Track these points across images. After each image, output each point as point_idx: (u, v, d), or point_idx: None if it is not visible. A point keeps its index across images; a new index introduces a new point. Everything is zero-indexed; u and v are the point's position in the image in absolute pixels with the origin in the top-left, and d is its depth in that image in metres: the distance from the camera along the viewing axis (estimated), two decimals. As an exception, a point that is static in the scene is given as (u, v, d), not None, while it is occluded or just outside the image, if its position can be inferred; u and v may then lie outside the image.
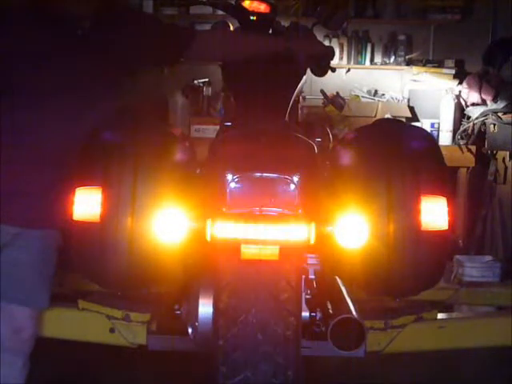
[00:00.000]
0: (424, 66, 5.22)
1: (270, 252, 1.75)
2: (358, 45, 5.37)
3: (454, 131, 4.76)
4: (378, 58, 5.39)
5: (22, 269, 2.25)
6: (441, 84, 5.04)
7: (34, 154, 2.21)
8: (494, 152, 4.54)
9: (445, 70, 5.15)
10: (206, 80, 5.13)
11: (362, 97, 5.20)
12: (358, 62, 5.37)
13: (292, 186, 1.79)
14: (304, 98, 3.26)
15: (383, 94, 5.23)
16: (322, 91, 4.68)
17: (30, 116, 2.21)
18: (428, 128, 4.72)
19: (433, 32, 5.38)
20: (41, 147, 2.21)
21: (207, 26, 5.10)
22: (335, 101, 4.77)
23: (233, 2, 2.60)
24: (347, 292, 2.17)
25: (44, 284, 2.31)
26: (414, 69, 5.21)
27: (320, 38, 2.81)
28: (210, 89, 5.11)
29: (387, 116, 4.77)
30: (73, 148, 2.09)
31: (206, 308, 1.96)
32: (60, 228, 2.25)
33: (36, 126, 2.21)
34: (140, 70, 2.47)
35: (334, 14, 2.54)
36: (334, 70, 2.73)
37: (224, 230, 1.73)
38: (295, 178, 1.79)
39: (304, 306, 1.99)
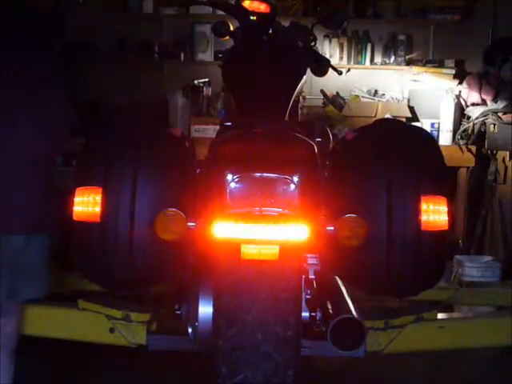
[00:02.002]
0: (424, 66, 5.21)
1: (270, 252, 1.75)
2: (358, 45, 5.36)
3: (454, 131, 4.75)
4: (378, 58, 5.39)
5: (27, 267, 2.27)
6: (441, 84, 5.03)
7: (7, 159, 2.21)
8: (494, 152, 4.54)
9: (445, 70, 5.14)
10: (206, 80, 5.13)
11: (362, 97, 5.20)
12: (358, 62, 5.36)
13: (292, 186, 1.79)
14: (304, 98, 3.26)
15: (383, 94, 5.22)
16: (322, 91, 4.70)
17: None
18: (428, 128, 4.71)
19: (433, 32, 5.37)
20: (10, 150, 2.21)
21: (207, 26, 5.14)
22: (335, 101, 4.79)
23: (233, 2, 2.60)
24: (347, 292, 2.17)
25: (45, 275, 2.34)
26: (414, 69, 5.21)
27: (320, 37, 2.81)
28: (210, 89, 5.10)
29: (387, 116, 4.76)
30: (44, 147, 2.10)
31: (206, 308, 1.96)
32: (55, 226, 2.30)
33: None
34: None
35: (334, 14, 2.54)
36: (340, 72, 2.73)
37: (224, 230, 1.73)
38: (295, 178, 1.79)
39: (304, 306, 1.99)
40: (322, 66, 2.60)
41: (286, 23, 2.67)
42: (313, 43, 2.66)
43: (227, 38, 2.62)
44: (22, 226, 2.23)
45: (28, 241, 2.25)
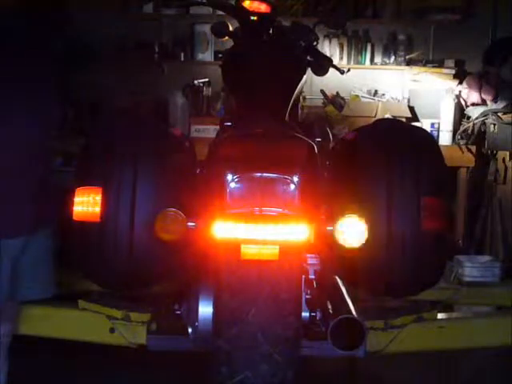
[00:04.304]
0: (424, 66, 5.21)
1: (270, 252, 1.74)
2: (358, 45, 5.36)
3: (454, 131, 4.75)
4: (378, 58, 5.39)
5: (30, 269, 2.27)
6: (441, 84, 5.04)
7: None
8: (494, 152, 4.54)
9: (445, 70, 5.14)
10: (206, 80, 5.13)
11: (362, 97, 5.20)
12: (358, 62, 5.36)
13: (292, 186, 1.79)
14: (304, 98, 3.26)
15: (383, 94, 5.22)
16: (322, 91, 4.70)
17: None
18: (428, 128, 4.71)
19: (433, 32, 5.37)
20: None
21: (207, 26, 5.13)
22: (335, 101, 4.80)
23: (233, 3, 2.60)
24: (347, 292, 2.17)
25: (50, 275, 2.35)
26: (414, 69, 5.21)
27: (320, 38, 2.81)
28: (210, 89, 5.11)
29: (387, 116, 4.76)
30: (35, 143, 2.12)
31: (205, 308, 1.96)
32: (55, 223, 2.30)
33: None
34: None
35: (336, 13, 2.55)
36: (342, 71, 2.73)
37: (224, 229, 1.73)
38: (295, 178, 1.79)
39: (304, 305, 1.99)
40: (323, 66, 2.60)
41: (286, 23, 2.67)
42: (315, 43, 2.67)
43: (226, 38, 2.62)
44: (22, 228, 2.23)
45: (29, 241, 2.25)
